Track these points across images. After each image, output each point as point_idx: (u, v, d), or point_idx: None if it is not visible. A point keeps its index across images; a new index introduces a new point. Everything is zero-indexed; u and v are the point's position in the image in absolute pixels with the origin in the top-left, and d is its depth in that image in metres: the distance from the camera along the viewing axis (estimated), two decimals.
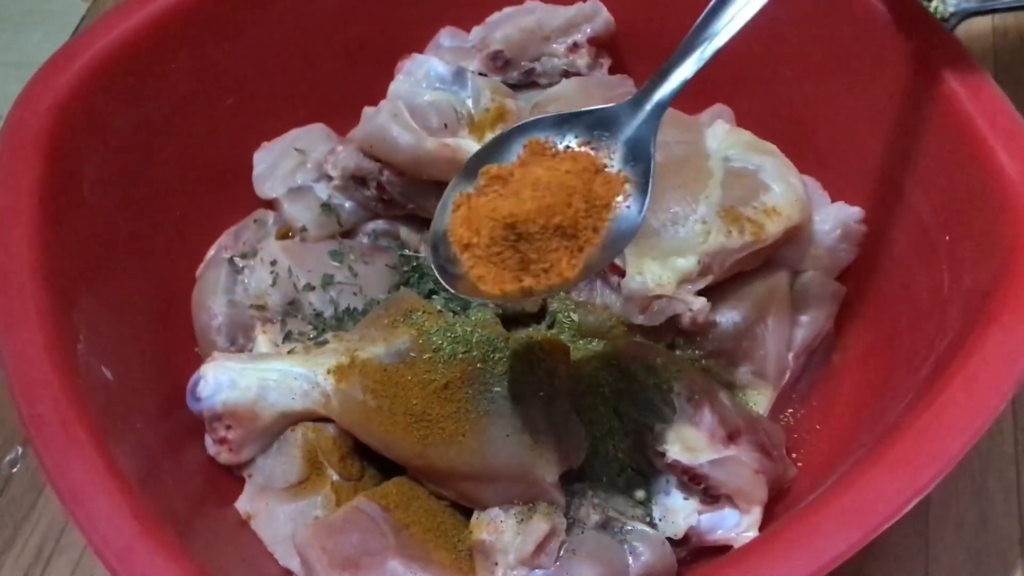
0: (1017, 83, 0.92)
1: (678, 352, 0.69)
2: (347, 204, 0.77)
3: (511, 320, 0.71)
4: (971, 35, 0.97)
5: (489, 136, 0.74)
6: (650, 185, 0.53)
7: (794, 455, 0.67)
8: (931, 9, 0.97)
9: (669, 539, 0.61)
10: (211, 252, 0.77)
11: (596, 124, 0.55)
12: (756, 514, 0.62)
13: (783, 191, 0.68)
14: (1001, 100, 0.61)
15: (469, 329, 0.63)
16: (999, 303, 0.53)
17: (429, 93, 0.74)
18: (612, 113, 0.55)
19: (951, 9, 0.98)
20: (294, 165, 0.79)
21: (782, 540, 0.47)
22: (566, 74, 0.81)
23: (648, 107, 0.54)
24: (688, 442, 0.61)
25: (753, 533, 0.61)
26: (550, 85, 0.81)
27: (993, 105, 0.60)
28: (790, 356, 0.69)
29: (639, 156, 0.53)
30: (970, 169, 0.60)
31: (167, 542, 0.49)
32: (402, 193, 0.75)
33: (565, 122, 0.55)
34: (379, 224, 0.78)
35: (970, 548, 0.68)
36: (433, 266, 0.53)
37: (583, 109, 0.55)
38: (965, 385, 0.50)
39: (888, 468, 0.48)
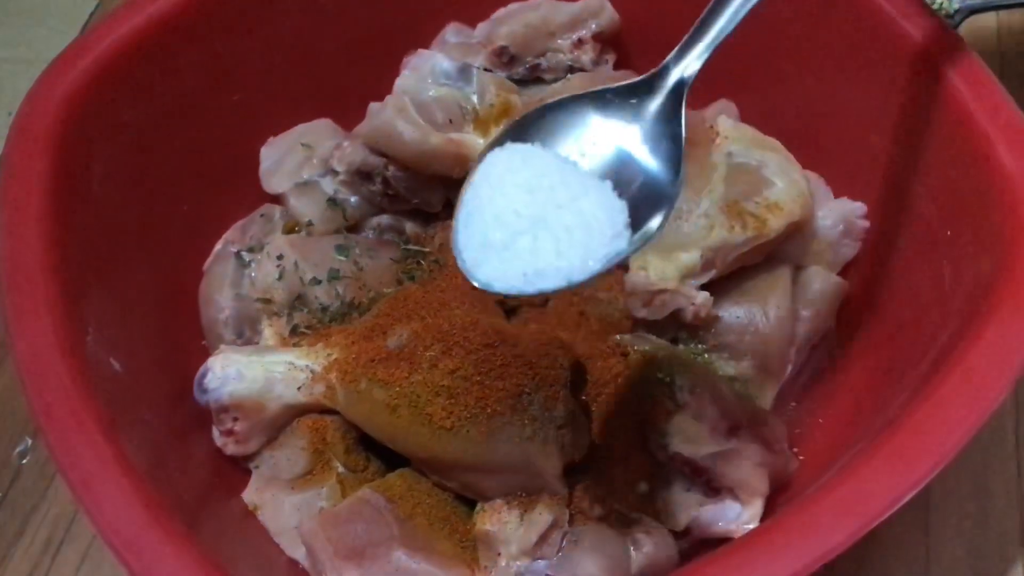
0: (1021, 79, 0.92)
1: (681, 346, 0.69)
2: (353, 199, 0.78)
3: (514, 311, 0.71)
4: (975, 31, 0.96)
5: (495, 131, 0.74)
6: (682, 167, 0.51)
7: (796, 448, 0.68)
8: (936, 5, 0.97)
9: (671, 531, 0.62)
10: (218, 246, 0.77)
11: (618, 102, 0.53)
12: (757, 506, 0.62)
13: (785, 186, 0.68)
14: (1002, 96, 0.61)
15: (472, 321, 0.63)
16: (998, 297, 0.53)
17: (434, 89, 0.75)
18: (635, 87, 0.53)
19: (956, 5, 0.98)
20: (300, 160, 0.79)
21: (779, 531, 0.47)
22: (571, 70, 0.82)
23: (672, 82, 0.52)
24: (690, 435, 0.61)
25: (754, 525, 0.62)
26: (555, 81, 0.82)
27: (994, 100, 0.60)
28: (792, 350, 0.69)
29: (664, 133, 0.52)
30: (971, 164, 0.60)
31: (175, 531, 0.50)
32: (407, 188, 0.76)
33: (581, 100, 0.53)
34: (384, 219, 0.79)
35: (970, 542, 0.69)
36: (456, 255, 0.51)
37: (601, 88, 0.53)
38: (963, 379, 0.50)
39: (885, 461, 0.48)
